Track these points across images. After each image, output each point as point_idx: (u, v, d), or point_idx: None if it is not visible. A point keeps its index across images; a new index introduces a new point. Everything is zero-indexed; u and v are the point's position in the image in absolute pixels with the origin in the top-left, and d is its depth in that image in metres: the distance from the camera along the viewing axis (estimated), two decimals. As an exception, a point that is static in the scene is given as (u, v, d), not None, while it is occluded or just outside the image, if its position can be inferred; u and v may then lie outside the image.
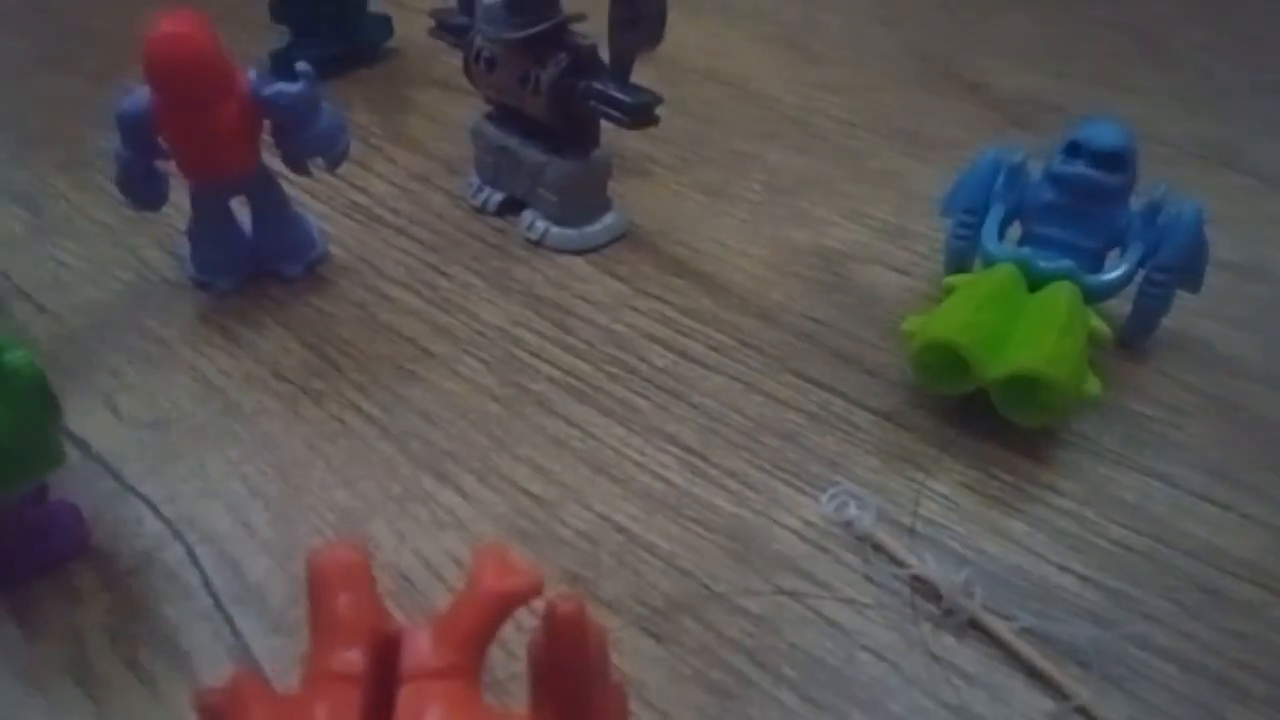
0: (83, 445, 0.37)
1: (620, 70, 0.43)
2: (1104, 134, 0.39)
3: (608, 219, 0.48)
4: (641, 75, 0.43)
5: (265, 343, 0.42)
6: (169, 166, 0.41)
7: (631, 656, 0.30)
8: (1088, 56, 0.66)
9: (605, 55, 0.43)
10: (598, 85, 0.43)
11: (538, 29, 0.43)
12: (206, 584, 0.32)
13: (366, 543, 0.23)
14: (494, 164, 0.49)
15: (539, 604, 0.20)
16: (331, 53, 0.61)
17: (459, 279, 0.46)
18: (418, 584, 0.32)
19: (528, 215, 0.48)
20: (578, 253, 0.47)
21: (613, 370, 0.41)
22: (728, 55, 0.65)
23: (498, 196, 0.50)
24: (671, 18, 0.42)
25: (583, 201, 0.47)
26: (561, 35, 0.44)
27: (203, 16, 0.38)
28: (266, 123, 0.41)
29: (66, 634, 0.30)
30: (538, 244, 0.48)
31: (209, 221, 0.43)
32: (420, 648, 0.19)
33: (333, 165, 0.43)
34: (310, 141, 0.41)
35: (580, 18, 0.44)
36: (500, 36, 0.44)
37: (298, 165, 0.43)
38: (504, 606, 0.20)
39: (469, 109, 0.52)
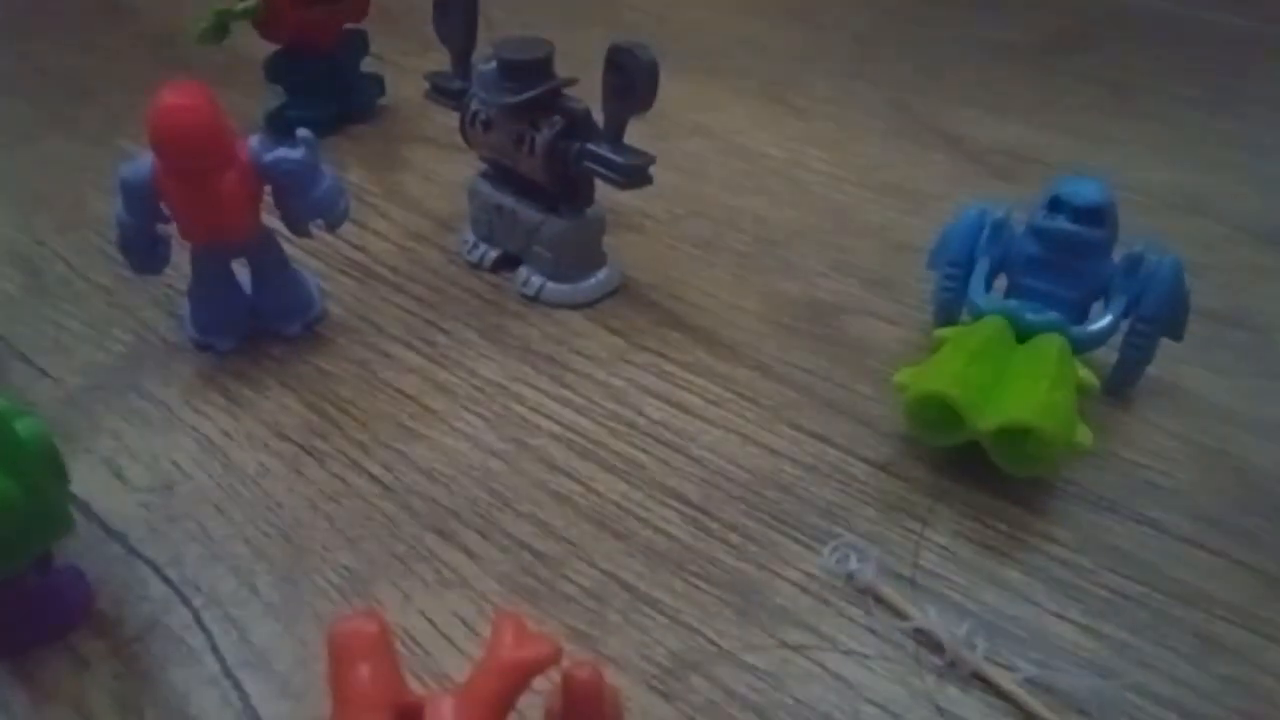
0: (85, 509, 0.37)
1: (614, 133, 0.44)
2: (1084, 190, 0.40)
3: (602, 274, 0.49)
4: (630, 130, 0.44)
5: (266, 402, 0.42)
6: (169, 230, 0.42)
7: (640, 715, 0.30)
8: (1064, 108, 0.68)
9: (599, 116, 0.44)
10: (592, 147, 0.44)
11: (532, 94, 0.44)
12: (213, 648, 0.32)
13: (380, 611, 0.23)
14: (489, 221, 0.50)
15: (556, 668, 0.21)
16: (325, 112, 0.62)
17: (456, 335, 0.46)
18: (424, 644, 0.32)
19: (523, 271, 0.49)
20: (573, 307, 0.48)
21: (612, 425, 0.41)
22: (714, 110, 0.67)
23: (493, 253, 0.51)
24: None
25: (578, 257, 0.48)
26: (556, 99, 0.45)
27: (204, 85, 0.39)
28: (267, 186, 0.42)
29: (73, 701, 0.30)
30: (533, 299, 0.49)
31: (209, 283, 0.43)
32: (443, 716, 0.20)
33: (333, 227, 0.44)
34: (311, 205, 0.42)
35: (573, 81, 0.45)
36: (496, 101, 0.45)
37: (299, 228, 0.43)
38: (523, 675, 0.20)
39: (462, 166, 0.53)
